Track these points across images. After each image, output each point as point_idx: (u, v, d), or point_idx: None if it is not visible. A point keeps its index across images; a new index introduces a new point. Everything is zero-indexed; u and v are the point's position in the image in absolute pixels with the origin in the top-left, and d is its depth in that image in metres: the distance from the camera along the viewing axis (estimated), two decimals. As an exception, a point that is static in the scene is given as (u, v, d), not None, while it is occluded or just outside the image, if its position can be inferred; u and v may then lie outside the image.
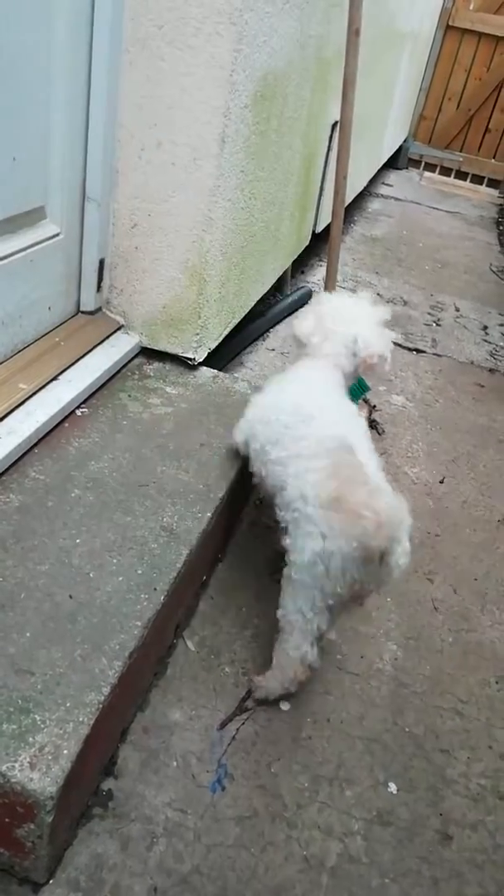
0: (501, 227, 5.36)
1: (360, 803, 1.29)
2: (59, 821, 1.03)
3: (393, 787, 1.33)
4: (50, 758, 1.00)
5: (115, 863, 1.12)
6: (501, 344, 3.31)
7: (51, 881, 1.08)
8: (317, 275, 3.41)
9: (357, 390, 2.40)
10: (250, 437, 1.45)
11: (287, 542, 1.28)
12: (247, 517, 1.86)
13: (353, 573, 1.19)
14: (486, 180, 6.46)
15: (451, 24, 5.95)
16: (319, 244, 3.19)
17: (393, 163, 6.16)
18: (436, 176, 6.50)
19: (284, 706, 1.41)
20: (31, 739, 1.02)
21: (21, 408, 1.52)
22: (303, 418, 1.32)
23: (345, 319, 1.50)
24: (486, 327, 3.46)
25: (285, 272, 2.91)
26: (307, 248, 3.02)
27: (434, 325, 3.34)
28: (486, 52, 6.00)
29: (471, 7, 5.94)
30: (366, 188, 4.81)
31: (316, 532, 1.20)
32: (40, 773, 0.99)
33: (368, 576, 1.20)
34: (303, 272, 3.43)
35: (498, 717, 1.50)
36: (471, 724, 1.48)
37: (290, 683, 1.34)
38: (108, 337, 1.84)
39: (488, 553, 1.96)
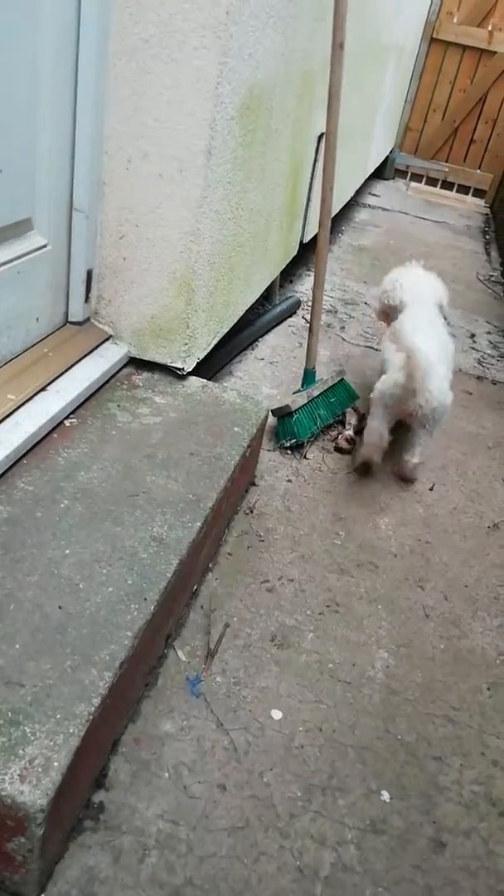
0: (488, 237, 5.41)
1: (353, 812, 1.28)
2: (49, 834, 1.03)
3: (386, 796, 1.32)
4: (40, 770, 1.00)
5: (107, 876, 1.11)
6: (489, 352, 3.34)
7: (42, 895, 1.07)
8: (305, 284, 3.43)
9: (345, 398, 2.41)
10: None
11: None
12: (237, 526, 1.86)
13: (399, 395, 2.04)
14: (471, 190, 6.53)
15: (435, 36, 6.02)
16: (307, 254, 3.21)
17: (380, 173, 6.22)
18: (422, 186, 6.56)
19: (276, 715, 1.41)
20: (20, 752, 1.01)
21: (9, 419, 1.51)
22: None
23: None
24: (473, 335, 3.48)
25: (273, 282, 2.93)
26: (295, 258, 3.04)
27: (422, 333, 3.36)
28: (469, 65, 6.08)
29: (454, 20, 6.02)
30: (353, 198, 4.84)
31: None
32: (30, 786, 0.98)
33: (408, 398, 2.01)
34: (291, 282, 3.45)
35: (490, 723, 1.51)
36: (463, 731, 1.48)
37: (374, 450, 2.13)
38: (96, 347, 1.85)
39: (479, 559, 1.96)
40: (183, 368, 1.92)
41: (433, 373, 1.94)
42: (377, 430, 2.10)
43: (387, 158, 6.23)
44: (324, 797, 1.30)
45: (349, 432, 2.33)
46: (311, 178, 2.87)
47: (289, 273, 3.38)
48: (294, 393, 2.30)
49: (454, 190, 6.56)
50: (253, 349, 2.78)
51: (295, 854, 1.20)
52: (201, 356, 2.00)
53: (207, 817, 1.22)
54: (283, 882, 1.16)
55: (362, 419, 2.44)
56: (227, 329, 2.22)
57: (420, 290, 2.37)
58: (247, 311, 2.45)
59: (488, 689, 1.58)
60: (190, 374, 1.96)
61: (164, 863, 1.14)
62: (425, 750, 1.42)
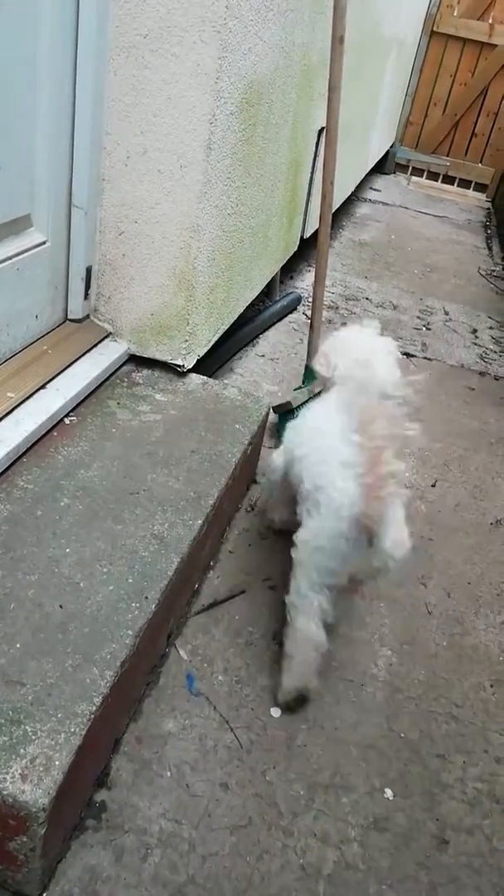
0: (489, 231, 5.39)
1: (357, 810, 1.28)
2: (51, 833, 1.02)
3: (389, 793, 1.32)
4: (42, 769, 0.99)
5: (110, 875, 1.11)
6: (491, 347, 3.32)
7: (44, 894, 1.07)
8: (305, 280, 3.42)
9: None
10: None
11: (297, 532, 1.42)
12: (238, 524, 1.85)
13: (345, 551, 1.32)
14: (472, 184, 6.50)
15: (435, 30, 5.99)
16: (308, 249, 3.19)
17: (380, 168, 6.19)
18: (423, 180, 6.53)
19: (276, 713, 1.40)
20: (22, 751, 1.01)
21: (9, 417, 1.51)
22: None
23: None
24: (475, 330, 3.47)
25: (274, 278, 2.92)
26: (296, 253, 3.03)
27: (424, 329, 3.35)
28: (470, 58, 6.05)
29: (455, 13, 5.99)
30: (354, 193, 4.83)
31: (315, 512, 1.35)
32: (32, 785, 0.98)
33: (359, 558, 1.32)
34: (291, 277, 3.44)
35: (493, 720, 1.50)
36: (466, 729, 1.47)
37: (306, 670, 1.39)
38: (96, 345, 1.84)
39: (481, 556, 1.96)
40: (183, 365, 1.91)
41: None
42: (306, 627, 1.39)
43: (387, 153, 6.20)
44: (327, 795, 1.29)
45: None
46: (312, 173, 2.86)
47: (289, 269, 3.37)
48: (295, 390, 2.29)
49: (455, 184, 6.53)
50: (254, 346, 2.77)
51: (298, 852, 1.20)
52: (202, 353, 1.99)
53: (210, 816, 1.21)
54: (286, 880, 1.16)
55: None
56: (228, 325, 2.21)
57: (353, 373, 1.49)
58: (247, 308, 2.44)
59: (491, 685, 1.58)
60: (190, 371, 1.95)
61: (166, 861, 1.14)
62: (428, 747, 1.42)
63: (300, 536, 1.40)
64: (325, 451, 1.36)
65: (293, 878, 1.16)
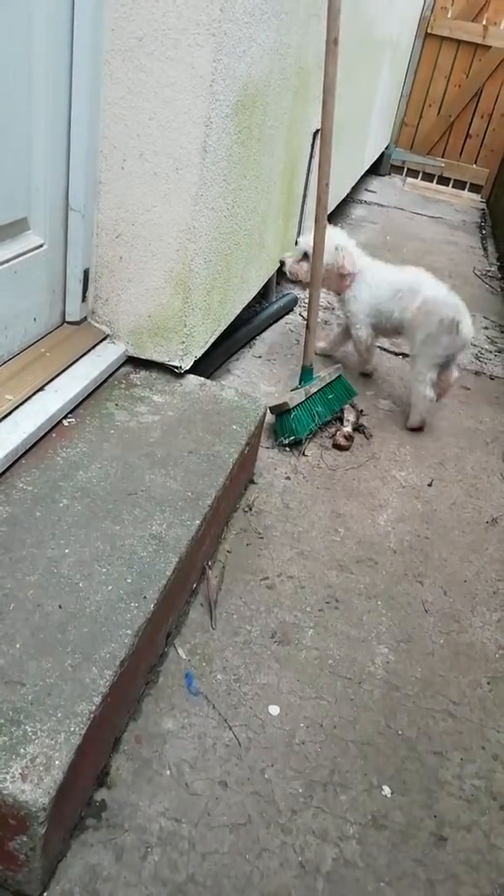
0: (484, 232, 5.41)
1: (355, 807, 1.29)
2: (51, 832, 1.03)
3: (387, 791, 1.33)
4: (42, 769, 1.00)
5: (110, 874, 1.11)
6: (486, 347, 3.34)
7: (44, 894, 1.07)
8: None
9: (343, 395, 2.42)
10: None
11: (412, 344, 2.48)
12: (236, 524, 1.86)
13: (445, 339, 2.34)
14: (467, 185, 6.53)
15: (430, 31, 6.02)
16: (304, 251, 3.20)
17: (376, 169, 6.21)
18: (418, 182, 6.56)
19: (274, 710, 1.41)
20: (22, 751, 1.01)
21: (7, 419, 1.51)
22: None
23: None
24: (470, 331, 3.48)
25: (270, 279, 2.93)
26: (292, 255, 3.03)
27: (419, 329, 3.36)
28: (464, 59, 6.08)
29: (449, 15, 6.01)
30: (349, 195, 4.84)
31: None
32: (32, 785, 0.98)
33: (452, 342, 2.34)
34: (288, 279, 3.45)
35: (490, 717, 1.51)
36: (463, 726, 1.48)
37: (424, 414, 2.47)
38: (94, 347, 1.85)
39: (478, 554, 1.97)
40: (181, 367, 1.92)
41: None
42: (424, 388, 2.44)
43: (383, 154, 6.22)
44: (325, 793, 1.30)
45: (347, 429, 2.33)
46: (307, 175, 2.87)
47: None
48: (292, 390, 2.30)
49: (450, 185, 6.56)
50: (250, 347, 2.78)
51: (297, 850, 1.21)
52: (199, 354, 2.00)
53: (209, 814, 1.22)
54: (284, 878, 1.16)
55: (360, 415, 2.44)
56: (225, 327, 2.22)
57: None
58: (244, 309, 2.45)
59: (488, 683, 1.59)
60: (188, 372, 1.96)
61: (166, 860, 1.15)
62: (426, 745, 1.43)
63: (418, 338, 2.39)
64: (420, 288, 2.46)
65: (292, 875, 1.17)
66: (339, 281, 2.54)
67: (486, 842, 1.29)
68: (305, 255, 2.40)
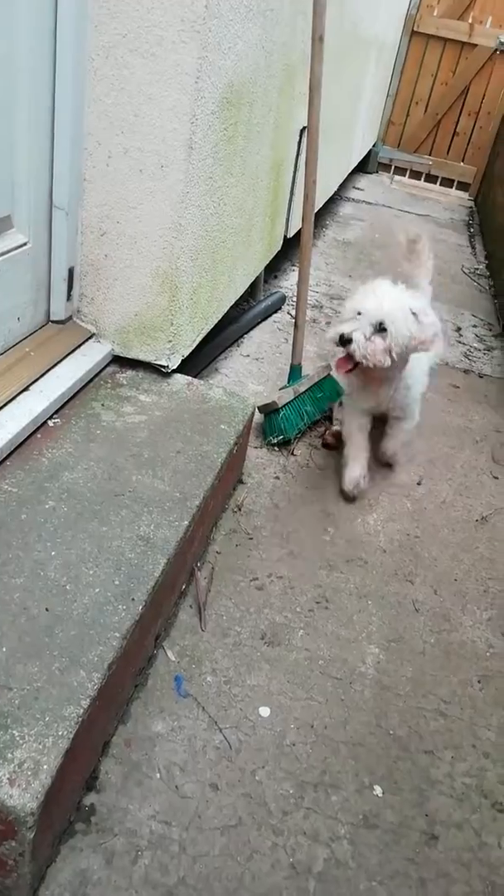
0: (472, 230, 5.43)
1: (346, 808, 1.28)
2: (40, 837, 1.02)
3: (378, 790, 1.32)
4: (29, 773, 0.99)
5: (100, 878, 1.10)
6: (475, 345, 3.34)
7: (33, 900, 1.06)
8: (290, 279, 3.43)
9: (332, 393, 2.41)
10: None
11: None
12: (225, 525, 1.85)
13: None
14: (455, 183, 6.54)
15: (416, 29, 6.02)
16: (291, 249, 3.20)
17: (363, 167, 6.21)
18: (406, 179, 6.56)
19: (265, 712, 1.40)
20: (9, 755, 1.00)
21: (-8, 420, 1.50)
22: None
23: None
24: (459, 329, 3.49)
25: (258, 277, 2.92)
26: (279, 253, 3.03)
27: (408, 327, 3.36)
28: (451, 58, 6.08)
29: (435, 13, 6.02)
30: (337, 192, 4.84)
31: None
32: (20, 790, 0.97)
33: None
34: (276, 277, 3.44)
35: (481, 716, 1.51)
36: (454, 724, 1.48)
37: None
38: (79, 346, 1.83)
39: (468, 553, 1.97)
40: (167, 366, 1.90)
41: None
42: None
43: (370, 152, 6.22)
44: (316, 794, 1.29)
45: (336, 428, 2.32)
46: (294, 173, 2.86)
47: (273, 268, 3.37)
48: (280, 389, 2.29)
49: (438, 183, 6.57)
50: (238, 346, 2.77)
51: (288, 851, 1.20)
52: (186, 353, 1.99)
53: (200, 817, 1.21)
54: (276, 879, 1.16)
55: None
56: (212, 326, 2.21)
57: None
58: (231, 308, 2.44)
59: (479, 681, 1.59)
60: (175, 371, 1.95)
61: (156, 863, 1.14)
62: (417, 744, 1.42)
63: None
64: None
65: (283, 876, 1.16)
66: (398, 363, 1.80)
67: (477, 840, 1.29)
68: (381, 328, 1.71)
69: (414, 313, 1.73)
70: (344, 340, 1.71)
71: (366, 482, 2.02)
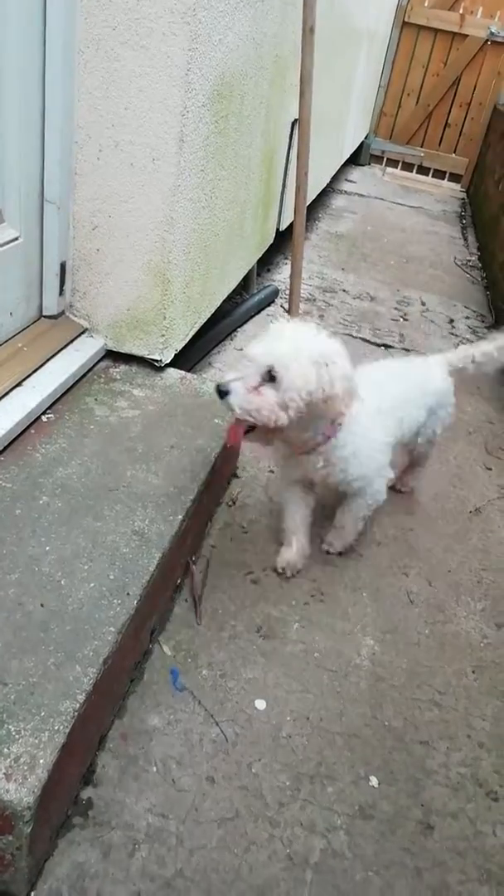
0: (464, 221, 5.42)
1: (342, 799, 1.29)
2: (38, 831, 1.02)
3: (374, 781, 1.33)
4: (26, 768, 0.99)
5: (98, 871, 1.11)
6: (468, 336, 3.35)
7: (32, 893, 1.06)
8: (282, 273, 3.42)
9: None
10: None
11: None
12: (220, 519, 1.85)
13: None
14: (447, 175, 6.54)
15: (407, 20, 6.01)
16: (284, 242, 3.19)
17: (355, 159, 6.20)
18: (398, 171, 6.55)
19: (261, 705, 1.41)
20: (5, 750, 1.00)
21: (-15, 416, 1.49)
22: None
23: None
24: (452, 320, 3.49)
25: (251, 271, 2.91)
26: (272, 246, 3.03)
27: (401, 319, 3.37)
28: (442, 48, 6.07)
29: (426, 4, 6.00)
30: (329, 185, 4.83)
31: None
32: (16, 784, 0.97)
33: None
34: (269, 270, 3.44)
35: (475, 706, 1.52)
36: (449, 715, 1.49)
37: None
38: (72, 341, 1.82)
39: (461, 544, 1.97)
40: (161, 360, 1.90)
41: None
42: None
43: (362, 144, 6.21)
44: (312, 785, 1.30)
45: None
46: (286, 165, 2.85)
47: (266, 262, 3.37)
48: (274, 382, 2.28)
49: (430, 175, 6.57)
50: (232, 339, 2.77)
51: (285, 842, 1.21)
52: (179, 347, 1.99)
53: (197, 809, 1.22)
54: (273, 870, 1.16)
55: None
56: (205, 319, 2.20)
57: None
58: (224, 301, 2.43)
59: (473, 671, 1.59)
60: (168, 365, 1.94)
61: (154, 856, 1.14)
62: (412, 735, 1.43)
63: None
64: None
65: (280, 867, 1.17)
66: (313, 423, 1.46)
67: (472, 828, 1.30)
68: (270, 376, 1.34)
69: (320, 361, 1.35)
70: (221, 392, 1.36)
71: (303, 560, 1.73)
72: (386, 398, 1.65)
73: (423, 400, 1.80)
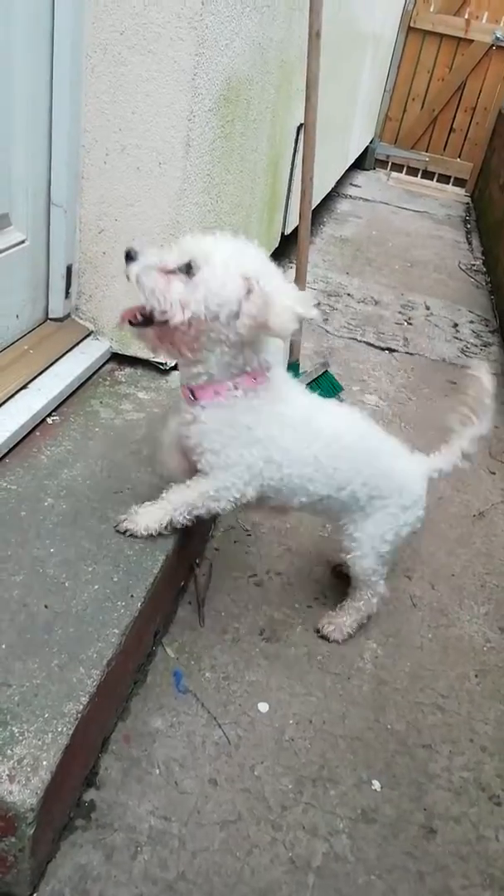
0: (468, 226, 5.43)
1: (345, 802, 1.29)
2: (40, 833, 1.02)
3: (377, 785, 1.33)
4: (29, 770, 0.99)
5: (100, 873, 1.11)
6: (472, 341, 3.35)
7: (34, 895, 1.06)
8: (287, 277, 3.42)
9: (330, 391, 2.41)
10: None
11: None
12: (224, 521, 1.85)
13: None
14: (452, 179, 6.54)
15: (412, 25, 6.02)
16: (289, 246, 3.19)
17: (360, 164, 6.21)
18: (403, 176, 6.56)
19: (263, 708, 1.41)
20: (9, 752, 1.00)
21: (-9, 417, 1.50)
22: None
23: None
24: (456, 325, 3.49)
25: (255, 275, 2.91)
26: (277, 249, 3.03)
27: (405, 323, 3.37)
28: (447, 54, 6.08)
29: (431, 9, 6.01)
30: (334, 189, 4.84)
31: None
32: (20, 786, 0.97)
33: None
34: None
35: (478, 710, 1.52)
36: (452, 719, 1.49)
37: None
38: (77, 343, 1.83)
39: (465, 548, 1.97)
40: (166, 363, 1.91)
41: None
42: None
43: (367, 148, 6.22)
44: (315, 788, 1.30)
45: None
46: (292, 170, 2.86)
47: (271, 265, 3.37)
48: (278, 386, 2.28)
49: (435, 179, 6.57)
50: (236, 342, 2.77)
51: (287, 846, 1.21)
52: (184, 350, 1.99)
53: (199, 812, 1.22)
54: (275, 874, 1.16)
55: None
56: (210, 323, 2.21)
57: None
58: (229, 305, 2.43)
59: (476, 676, 1.59)
60: (173, 368, 1.95)
61: (156, 858, 1.14)
62: (415, 738, 1.43)
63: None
64: None
65: (283, 871, 1.17)
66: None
67: (474, 833, 1.30)
68: (188, 268, 1.17)
69: (250, 277, 1.15)
70: (128, 255, 1.17)
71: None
72: (333, 447, 1.35)
73: (375, 481, 1.41)
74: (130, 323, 1.22)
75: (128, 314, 1.23)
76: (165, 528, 1.37)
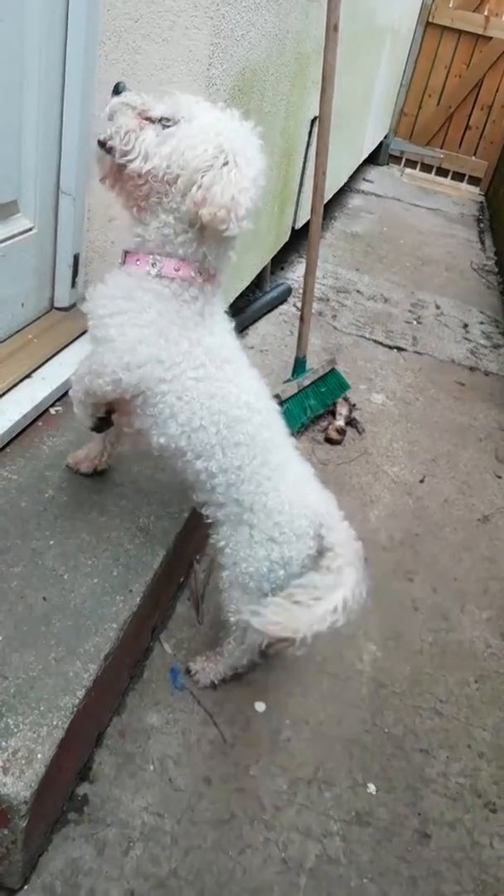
0: (482, 225, 5.39)
1: (339, 804, 1.28)
2: (33, 826, 1.02)
3: (372, 788, 1.32)
4: (23, 762, 0.99)
5: (92, 867, 1.10)
6: (482, 342, 3.32)
7: (25, 887, 1.06)
8: (297, 271, 3.40)
9: (336, 388, 2.40)
10: None
11: None
12: (226, 516, 1.84)
13: None
14: (466, 177, 6.49)
15: (431, 21, 5.96)
16: (299, 240, 3.17)
17: (374, 159, 6.16)
18: (417, 172, 6.51)
19: (260, 707, 1.40)
20: (3, 744, 1.00)
21: (-6, 406, 1.49)
22: None
23: None
24: (466, 325, 3.47)
25: (265, 268, 2.90)
26: (287, 244, 3.01)
27: (415, 322, 3.35)
28: (465, 50, 6.02)
29: (450, 4, 5.95)
30: (346, 184, 4.80)
31: None
32: (13, 778, 0.97)
33: None
34: (282, 268, 3.42)
35: (477, 716, 1.51)
36: (450, 724, 1.47)
37: None
38: (83, 333, 1.81)
39: (468, 552, 1.96)
40: (172, 356, 1.89)
41: None
42: None
43: (381, 143, 6.17)
44: (309, 790, 1.29)
45: (340, 423, 2.31)
46: (304, 163, 2.83)
47: (280, 260, 3.35)
48: (284, 382, 2.28)
49: (449, 177, 6.52)
50: (243, 337, 2.76)
51: (280, 846, 1.20)
52: (191, 344, 1.97)
53: (193, 810, 1.21)
54: (267, 874, 1.16)
55: (353, 409, 2.43)
56: (218, 316, 2.19)
57: None
58: (237, 298, 2.42)
59: (476, 681, 1.58)
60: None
61: (148, 855, 1.14)
62: (412, 742, 1.42)
63: None
64: None
65: (275, 871, 1.16)
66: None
67: (469, 839, 1.29)
68: (168, 121, 1.10)
69: (228, 156, 1.06)
70: (116, 89, 1.12)
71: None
72: (226, 401, 1.19)
73: (244, 475, 1.18)
74: (99, 142, 1.12)
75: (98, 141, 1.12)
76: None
